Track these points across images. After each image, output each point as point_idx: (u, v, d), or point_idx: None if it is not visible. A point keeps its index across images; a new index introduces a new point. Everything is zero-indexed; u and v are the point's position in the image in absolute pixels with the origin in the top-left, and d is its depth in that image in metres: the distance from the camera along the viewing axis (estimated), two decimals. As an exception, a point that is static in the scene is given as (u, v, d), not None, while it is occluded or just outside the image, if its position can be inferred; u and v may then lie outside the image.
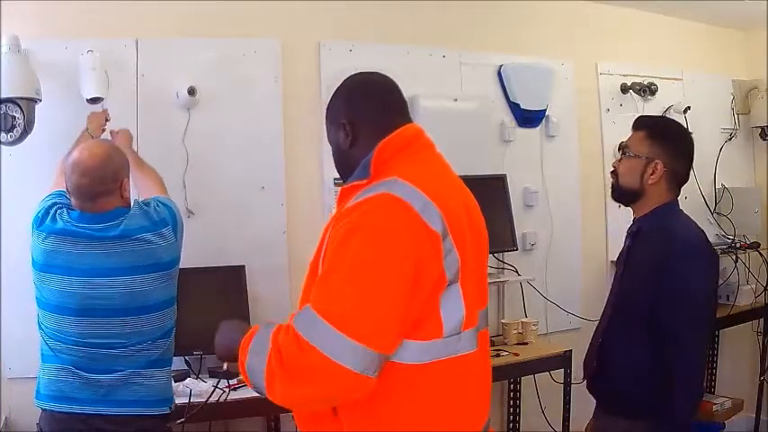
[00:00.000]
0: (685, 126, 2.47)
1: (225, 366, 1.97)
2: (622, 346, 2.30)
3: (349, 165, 1.65)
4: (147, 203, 2.39)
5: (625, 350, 2.28)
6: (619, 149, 2.47)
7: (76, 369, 2.21)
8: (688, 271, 2.15)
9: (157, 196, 2.47)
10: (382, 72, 1.76)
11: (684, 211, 2.38)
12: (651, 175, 2.29)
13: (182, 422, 2.54)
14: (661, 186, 2.31)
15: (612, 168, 2.42)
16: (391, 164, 1.56)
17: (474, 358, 1.57)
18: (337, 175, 1.76)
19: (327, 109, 1.73)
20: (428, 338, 1.49)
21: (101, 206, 2.26)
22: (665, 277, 2.17)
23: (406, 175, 1.51)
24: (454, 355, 1.52)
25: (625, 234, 2.45)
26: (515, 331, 3.71)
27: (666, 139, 2.32)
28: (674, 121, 2.57)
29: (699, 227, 2.34)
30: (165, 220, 2.34)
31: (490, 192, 3.69)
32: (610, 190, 2.43)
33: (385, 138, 1.60)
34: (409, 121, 1.70)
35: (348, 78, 1.73)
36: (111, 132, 2.90)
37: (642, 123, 2.41)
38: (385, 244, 1.43)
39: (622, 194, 2.38)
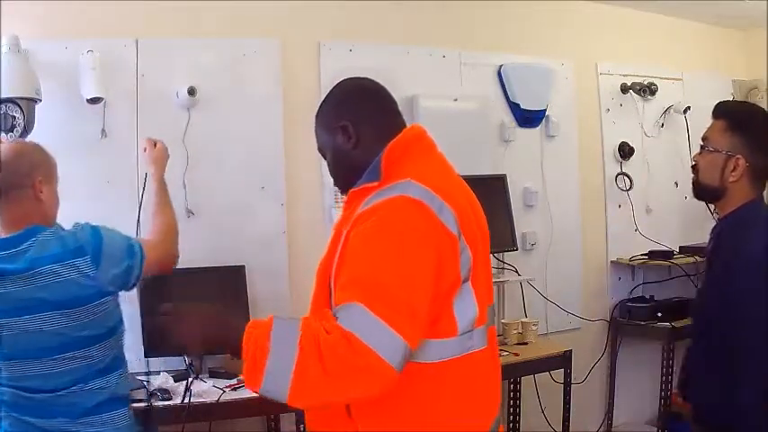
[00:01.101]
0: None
1: (189, 360, 1.95)
2: (702, 355, 2.17)
3: (352, 167, 1.63)
4: (71, 228, 2.05)
5: (704, 359, 2.15)
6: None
7: (20, 415, 1.98)
8: (751, 285, 2.00)
9: (84, 224, 2.07)
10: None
11: None
12: (732, 171, 2.11)
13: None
14: (743, 183, 2.12)
15: (693, 163, 2.25)
16: (400, 165, 1.57)
17: (485, 355, 1.59)
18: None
19: (320, 116, 1.71)
20: (443, 337, 1.50)
21: (14, 208, 2.00)
22: (732, 284, 2.04)
23: (418, 177, 1.52)
24: (467, 353, 1.54)
25: (709, 235, 2.28)
26: (515, 331, 3.70)
27: (748, 131, 2.13)
28: (757, 107, 2.31)
29: None
30: (83, 249, 1.96)
31: (490, 192, 3.68)
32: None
33: (391, 138, 1.61)
34: (405, 122, 1.71)
35: (340, 83, 1.74)
36: (146, 142, 2.63)
37: (722, 112, 2.22)
38: (409, 245, 1.44)
39: (703, 192, 2.21)
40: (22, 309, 1.91)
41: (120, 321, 2.09)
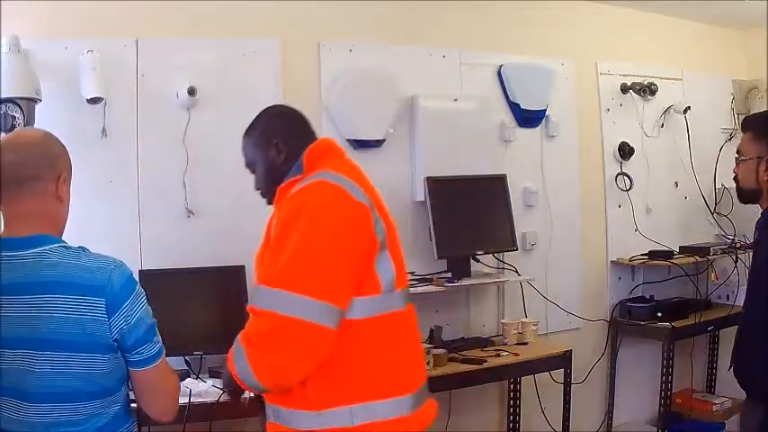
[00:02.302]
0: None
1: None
2: (753, 334, 2.38)
3: (280, 175, 1.93)
4: (94, 255, 1.69)
5: (755, 337, 2.36)
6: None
7: None
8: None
9: (122, 266, 1.71)
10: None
11: None
12: (765, 171, 2.39)
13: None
14: None
15: (734, 174, 2.54)
16: (318, 163, 1.89)
17: (406, 316, 1.87)
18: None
19: (251, 137, 2.04)
20: (369, 294, 1.76)
21: (27, 204, 1.66)
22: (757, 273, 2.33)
23: (333, 168, 1.85)
24: (391, 311, 1.80)
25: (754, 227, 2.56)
26: (515, 331, 3.71)
27: None
28: None
29: None
30: (103, 289, 1.62)
31: (490, 192, 3.69)
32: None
33: (307, 146, 1.93)
34: (317, 135, 2.05)
35: (266, 110, 2.08)
36: None
37: (747, 125, 2.57)
38: (324, 217, 1.73)
39: (745, 196, 2.53)
40: (17, 339, 1.60)
41: (121, 381, 1.73)
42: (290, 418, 1.78)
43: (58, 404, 1.63)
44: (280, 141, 1.96)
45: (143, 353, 1.70)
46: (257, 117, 2.07)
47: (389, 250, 1.81)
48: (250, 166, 2.06)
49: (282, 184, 1.90)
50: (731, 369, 2.52)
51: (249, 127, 2.06)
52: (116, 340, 1.66)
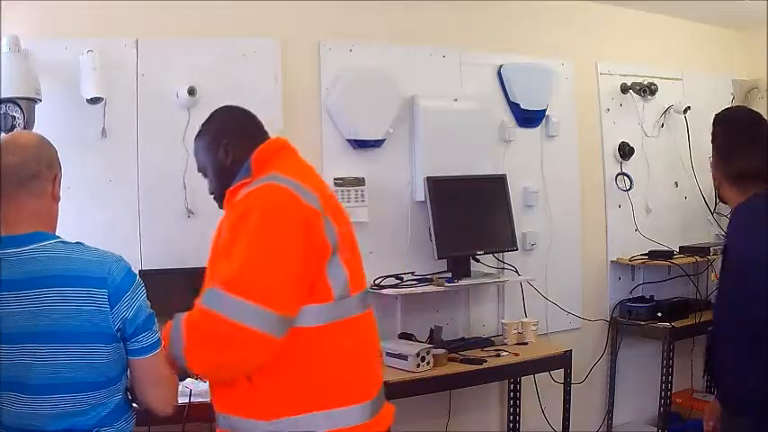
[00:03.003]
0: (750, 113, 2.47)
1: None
2: (721, 341, 2.29)
3: (229, 177, 1.90)
4: (93, 249, 1.74)
5: (722, 345, 2.27)
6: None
7: None
8: (737, 284, 2.17)
9: (121, 259, 1.76)
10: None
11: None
12: (717, 172, 2.32)
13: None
14: (726, 188, 2.31)
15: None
16: (268, 165, 1.85)
17: (363, 320, 1.83)
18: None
19: (202, 140, 2.00)
20: (321, 302, 1.73)
21: (27, 202, 1.71)
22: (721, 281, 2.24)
23: (284, 171, 1.81)
24: (346, 317, 1.77)
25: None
26: (515, 331, 3.71)
27: (716, 141, 2.34)
28: (722, 115, 2.43)
29: (759, 238, 2.11)
30: (104, 280, 1.67)
31: (490, 192, 3.69)
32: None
33: (257, 148, 1.90)
34: (268, 135, 2.00)
35: (216, 111, 2.04)
36: None
37: (713, 123, 2.41)
38: (274, 221, 1.69)
39: (719, 197, 2.49)
40: (17, 335, 1.63)
41: (123, 371, 1.77)
42: (246, 427, 1.77)
43: (62, 395, 1.66)
44: (228, 143, 1.93)
45: (142, 341, 1.75)
46: (208, 119, 2.04)
47: (341, 254, 1.76)
48: (201, 170, 2.04)
49: (231, 188, 1.87)
50: (708, 376, 2.46)
51: (200, 130, 2.03)
52: (119, 329, 1.71)
